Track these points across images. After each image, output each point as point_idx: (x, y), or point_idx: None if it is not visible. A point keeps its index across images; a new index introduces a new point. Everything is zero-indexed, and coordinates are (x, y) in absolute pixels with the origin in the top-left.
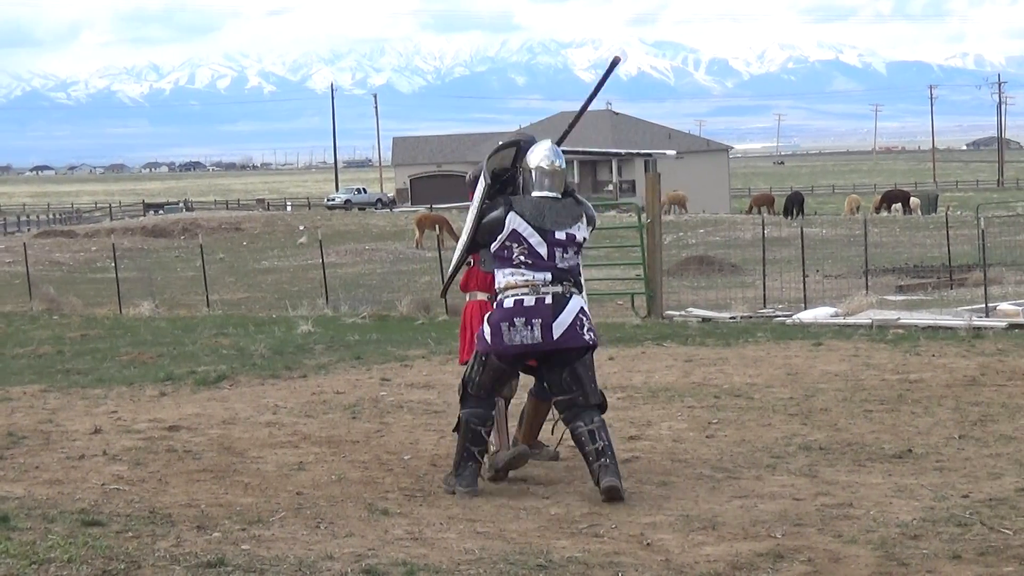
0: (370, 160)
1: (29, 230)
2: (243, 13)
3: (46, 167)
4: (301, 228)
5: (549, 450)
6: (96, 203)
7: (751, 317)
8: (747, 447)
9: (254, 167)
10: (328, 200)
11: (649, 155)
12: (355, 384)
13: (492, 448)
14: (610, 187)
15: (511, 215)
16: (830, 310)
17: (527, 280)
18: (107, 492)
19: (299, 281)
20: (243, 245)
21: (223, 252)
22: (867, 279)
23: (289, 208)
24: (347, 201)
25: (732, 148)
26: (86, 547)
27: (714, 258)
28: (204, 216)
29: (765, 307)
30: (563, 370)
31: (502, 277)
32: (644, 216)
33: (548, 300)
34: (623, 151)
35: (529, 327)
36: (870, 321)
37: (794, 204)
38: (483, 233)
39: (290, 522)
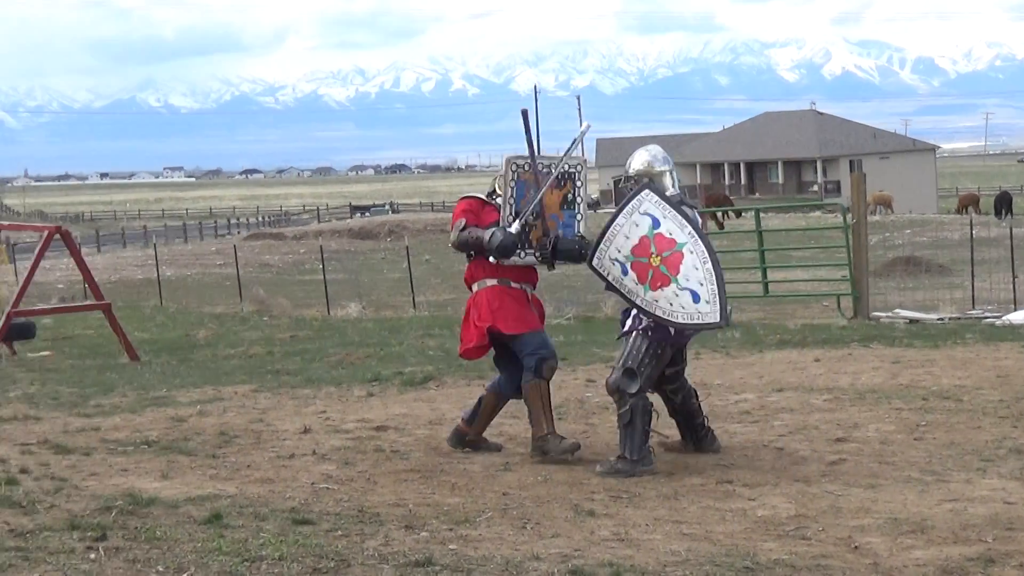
0: None
1: (239, 233)
2: (447, 16)
3: (255, 170)
4: None
5: (493, 444)
6: (304, 206)
7: (959, 318)
8: (956, 450)
9: (459, 169)
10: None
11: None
12: (560, 385)
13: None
14: (815, 188)
15: None
16: None
17: None
18: (317, 491)
19: None
20: (448, 247)
21: (429, 254)
22: None
23: None
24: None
25: (939, 148)
26: (297, 545)
27: (921, 259)
28: (410, 218)
29: (974, 308)
30: (680, 352)
31: None
32: (849, 216)
33: None
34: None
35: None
36: None
37: (1003, 204)
38: None
39: (496, 522)
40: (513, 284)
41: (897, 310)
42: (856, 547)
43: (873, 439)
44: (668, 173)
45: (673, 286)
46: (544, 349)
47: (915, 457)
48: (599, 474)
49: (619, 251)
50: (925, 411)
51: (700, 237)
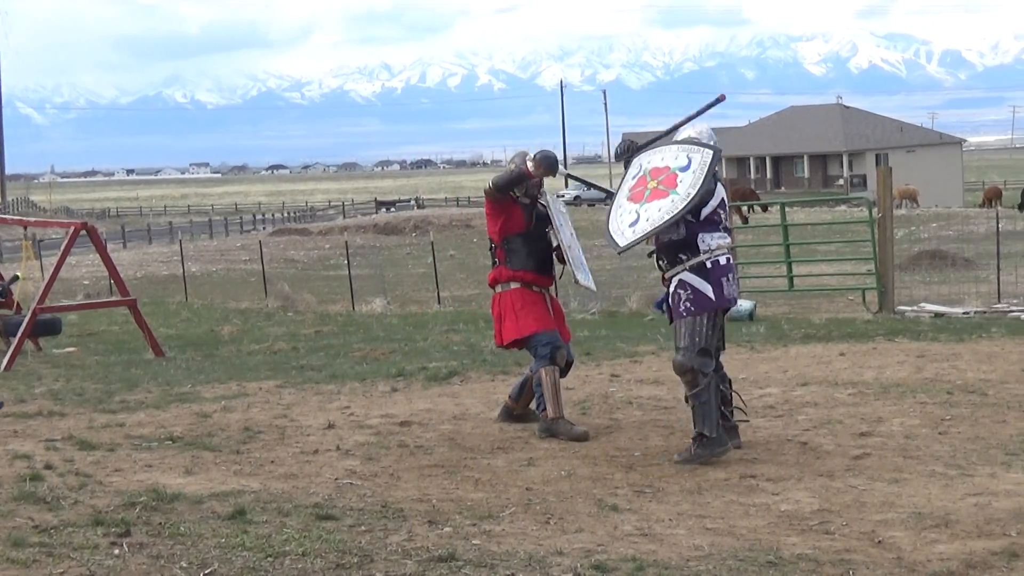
0: (599, 156)
1: (265, 228)
2: (472, 11)
3: (281, 166)
4: None
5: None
6: (329, 201)
7: (985, 312)
8: (981, 444)
9: (484, 164)
10: (558, 196)
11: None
12: (585, 380)
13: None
14: (840, 182)
15: (719, 186)
16: None
17: (727, 243)
18: (340, 486)
19: None
20: (473, 242)
21: (454, 249)
22: None
23: None
24: (576, 197)
25: (965, 141)
26: (320, 540)
27: (947, 252)
28: (435, 213)
29: (999, 302)
30: (723, 329)
31: (711, 240)
32: (875, 210)
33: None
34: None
35: (735, 283)
36: None
37: None
38: (700, 202)
39: (520, 517)
40: (534, 288)
41: (922, 304)
42: (880, 541)
43: (897, 433)
44: None
45: (637, 205)
46: (558, 342)
47: (939, 451)
48: (677, 463)
49: (647, 162)
50: (950, 405)
51: (687, 203)
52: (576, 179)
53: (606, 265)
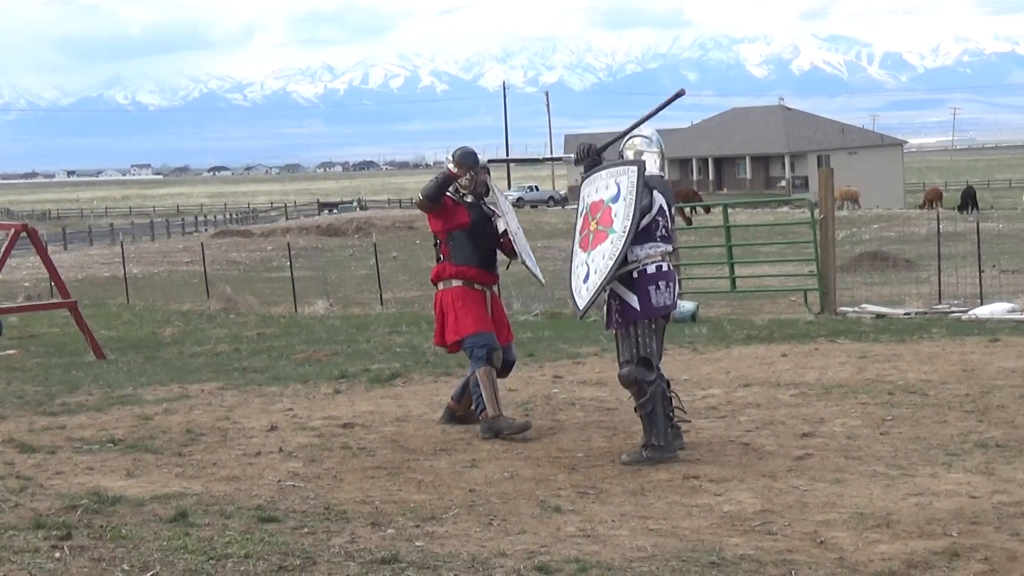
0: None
1: (207, 230)
2: (415, 12)
3: (223, 168)
4: None
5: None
6: (272, 203)
7: (926, 313)
8: (922, 444)
9: (427, 166)
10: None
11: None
12: (528, 381)
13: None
14: (782, 183)
15: (655, 194)
16: (1007, 305)
17: (661, 251)
18: (283, 489)
19: None
20: (416, 243)
21: (396, 250)
22: None
23: None
24: (519, 199)
25: (906, 143)
26: (262, 543)
27: (888, 253)
28: (378, 215)
29: (940, 303)
30: (663, 333)
31: (641, 250)
32: (817, 212)
33: (671, 267)
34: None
35: (668, 290)
36: None
37: (968, 198)
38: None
39: (463, 519)
40: (476, 286)
41: (864, 305)
42: (822, 542)
43: (839, 434)
44: (653, 155)
45: (586, 255)
46: (494, 343)
47: (881, 451)
48: (624, 463)
49: (587, 195)
50: (891, 406)
51: (625, 238)
52: (503, 161)
53: (548, 267)
